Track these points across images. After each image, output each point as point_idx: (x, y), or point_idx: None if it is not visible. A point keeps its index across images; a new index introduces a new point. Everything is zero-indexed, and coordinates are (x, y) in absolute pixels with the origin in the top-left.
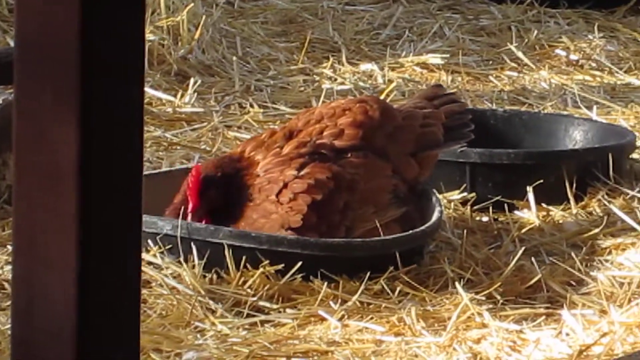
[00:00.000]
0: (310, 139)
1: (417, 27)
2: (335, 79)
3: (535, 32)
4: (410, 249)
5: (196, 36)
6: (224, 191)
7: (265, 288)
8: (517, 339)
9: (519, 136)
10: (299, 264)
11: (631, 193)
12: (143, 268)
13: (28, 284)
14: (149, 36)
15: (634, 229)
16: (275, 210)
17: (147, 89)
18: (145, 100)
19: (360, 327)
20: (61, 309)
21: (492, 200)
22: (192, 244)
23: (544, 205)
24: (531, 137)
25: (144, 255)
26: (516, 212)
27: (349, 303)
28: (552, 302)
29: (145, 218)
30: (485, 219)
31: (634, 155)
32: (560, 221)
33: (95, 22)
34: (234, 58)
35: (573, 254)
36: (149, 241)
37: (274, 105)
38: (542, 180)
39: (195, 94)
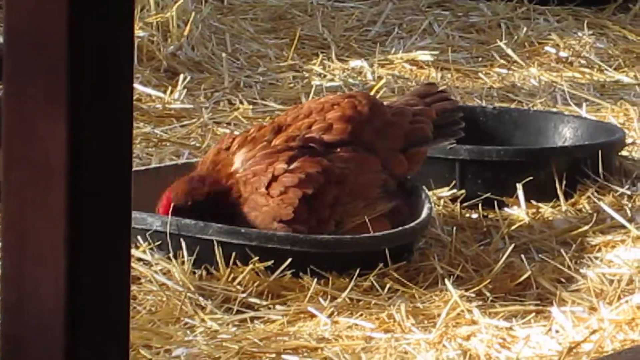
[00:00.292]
0: (299, 133)
1: (406, 24)
2: (325, 76)
3: (525, 29)
4: (399, 246)
5: (185, 32)
6: (198, 216)
7: (255, 284)
8: (507, 336)
9: (508, 133)
10: (289, 260)
11: (620, 190)
12: (133, 264)
13: (17, 280)
14: (138, 32)
15: (623, 226)
16: (266, 202)
17: (136, 85)
18: (135, 97)
19: (349, 323)
20: (51, 305)
21: (481, 197)
22: (181, 240)
23: (533, 202)
24: (521, 134)
25: (134, 252)
26: (506, 209)
27: (339, 300)
28: (542, 299)
29: (134, 214)
30: (474, 215)
31: (624, 153)
32: (550, 218)
33: (85, 18)
34: (224, 54)
35: (563, 251)
36: (139, 237)
37: (264, 102)
38: (531, 177)
39: (185, 90)
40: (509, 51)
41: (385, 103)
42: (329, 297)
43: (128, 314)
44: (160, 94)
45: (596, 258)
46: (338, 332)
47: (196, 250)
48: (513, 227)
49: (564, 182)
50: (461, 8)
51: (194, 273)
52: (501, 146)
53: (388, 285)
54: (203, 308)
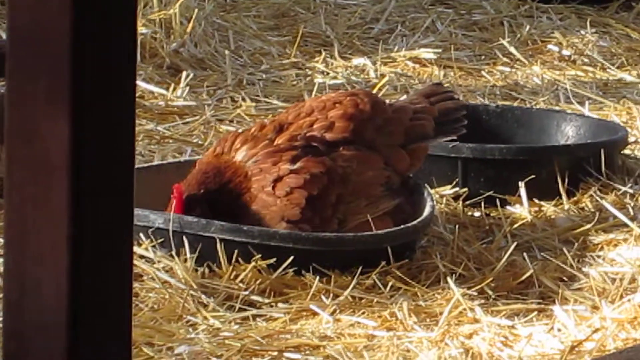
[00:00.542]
0: (301, 132)
1: (409, 22)
2: (328, 74)
3: (528, 27)
4: (402, 244)
5: (188, 30)
6: (210, 207)
7: (257, 282)
8: (509, 335)
9: (511, 131)
10: (291, 258)
11: (623, 189)
12: (135, 262)
13: (19, 278)
14: (141, 29)
15: (626, 225)
16: (273, 202)
17: (139, 82)
18: (138, 94)
19: (352, 321)
20: (52, 302)
21: (484, 196)
22: (184, 237)
23: (536, 200)
24: (523, 132)
25: (136, 249)
26: (508, 207)
27: (341, 298)
28: (544, 298)
29: (137, 211)
30: (477, 214)
31: (626, 151)
32: (553, 217)
33: (87, 15)
34: (227, 52)
35: (565, 250)
36: (141, 235)
37: (266, 99)
38: (534, 176)
39: (188, 87)
40: (512, 49)
41: (389, 102)
42: (331, 295)
43: (130, 313)
44: (163, 91)
45: (598, 257)
46: (340, 330)
47: (198, 247)
48: (515, 226)
49: (567, 181)
50: (464, 6)
51: (197, 271)
52: (504, 144)
53: (390, 284)
54: (205, 306)
